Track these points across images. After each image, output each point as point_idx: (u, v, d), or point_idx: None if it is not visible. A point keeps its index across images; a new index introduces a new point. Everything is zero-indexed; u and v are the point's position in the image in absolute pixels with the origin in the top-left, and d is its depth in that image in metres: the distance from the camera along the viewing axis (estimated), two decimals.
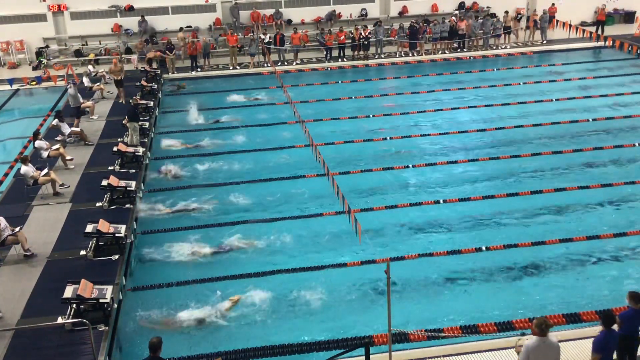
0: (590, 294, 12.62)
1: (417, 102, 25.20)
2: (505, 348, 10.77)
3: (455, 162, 19.25)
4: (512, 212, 16.08)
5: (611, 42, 31.22)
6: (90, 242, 13.98)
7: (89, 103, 23.58)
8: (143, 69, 28.43)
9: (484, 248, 14.36)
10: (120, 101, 24.72)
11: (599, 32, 32.52)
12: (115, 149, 18.75)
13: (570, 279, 13.29)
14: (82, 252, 13.79)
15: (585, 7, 35.27)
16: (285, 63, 30.99)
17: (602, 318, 9.27)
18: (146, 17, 32.39)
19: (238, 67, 30.49)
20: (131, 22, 32.53)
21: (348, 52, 31.54)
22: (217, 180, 18.74)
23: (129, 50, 31.72)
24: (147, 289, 13.44)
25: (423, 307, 12.53)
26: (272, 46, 30.92)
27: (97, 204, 16.15)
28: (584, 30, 31.93)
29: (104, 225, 14.03)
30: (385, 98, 26.16)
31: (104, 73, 27.82)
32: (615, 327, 9.16)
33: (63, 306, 11.62)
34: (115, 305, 12.16)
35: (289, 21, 33.44)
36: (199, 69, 30.16)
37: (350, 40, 31.44)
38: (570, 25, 31.98)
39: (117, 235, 14.02)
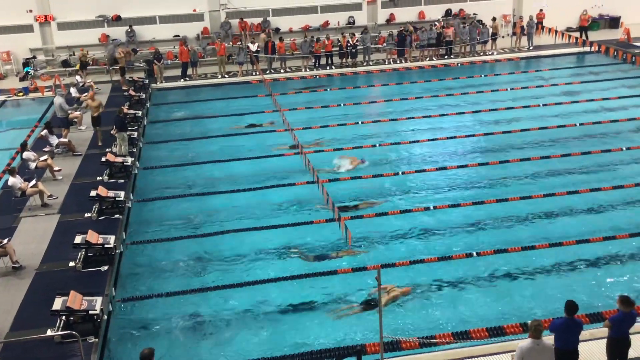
0: (580, 297, 12.58)
1: (406, 109, 25.26)
2: (497, 353, 10.81)
3: (445, 168, 19.31)
4: (502, 218, 16.14)
5: (597, 47, 31.55)
6: (79, 253, 13.88)
7: (77, 113, 23.47)
8: (131, 78, 28.37)
9: (474, 253, 14.38)
10: (99, 143, 21.32)
11: (583, 37, 32.83)
12: (103, 159, 18.67)
13: (560, 283, 13.33)
14: (71, 264, 13.70)
15: (570, 12, 35.54)
16: (272, 71, 31.00)
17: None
18: (134, 27, 32.36)
19: (226, 76, 30.49)
20: (119, 32, 32.46)
21: (336, 59, 31.62)
22: (206, 189, 18.69)
23: (116, 61, 31.58)
24: (137, 300, 13.37)
25: (415, 314, 12.52)
26: (260, 54, 30.96)
27: (86, 215, 16.06)
28: (569, 36, 32.24)
29: (92, 236, 13.94)
30: (374, 105, 26.24)
31: (92, 83, 27.73)
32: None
33: (52, 318, 11.54)
34: (105, 317, 12.08)
35: (277, 29, 33.49)
36: (187, 78, 30.12)
37: (337, 48, 31.53)
38: (556, 31, 32.29)
39: (106, 246, 13.95)
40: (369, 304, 12.68)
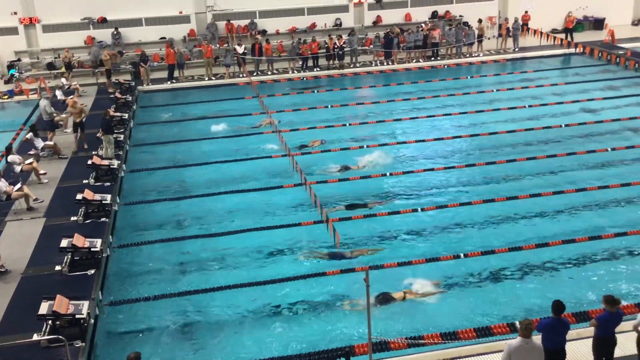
0: (566, 297, 12.66)
1: (393, 110, 25.33)
2: (485, 353, 10.85)
3: (432, 169, 19.36)
4: (489, 219, 16.22)
5: (581, 48, 31.83)
6: (66, 257, 13.78)
7: (63, 116, 23.29)
8: (117, 81, 28.22)
9: (462, 255, 14.42)
10: (84, 146, 20.98)
11: (568, 39, 33.10)
12: (89, 162, 18.56)
13: (547, 283, 13.42)
14: (57, 268, 13.59)
15: (556, 14, 35.81)
16: (259, 73, 30.97)
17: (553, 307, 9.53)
18: (120, 29, 32.21)
19: (213, 78, 30.42)
20: (104, 34, 32.32)
21: (323, 61, 31.64)
22: (194, 191, 18.62)
23: (101, 64, 31.42)
24: (124, 303, 13.28)
25: (403, 315, 12.54)
26: (247, 56, 30.93)
27: (72, 218, 15.95)
28: (554, 38, 32.50)
29: (79, 240, 13.85)
30: (361, 107, 26.30)
31: (77, 86, 27.57)
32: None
33: (38, 323, 11.43)
34: (92, 321, 11.99)
35: (264, 31, 33.46)
36: (174, 80, 30.00)
37: (324, 50, 31.55)
38: (541, 33, 32.54)
39: (92, 249, 13.84)
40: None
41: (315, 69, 31.30)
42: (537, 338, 9.26)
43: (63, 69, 30.43)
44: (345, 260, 14.57)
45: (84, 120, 21.24)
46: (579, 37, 34.24)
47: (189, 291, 13.55)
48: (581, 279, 13.49)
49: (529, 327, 8.90)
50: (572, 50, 32.38)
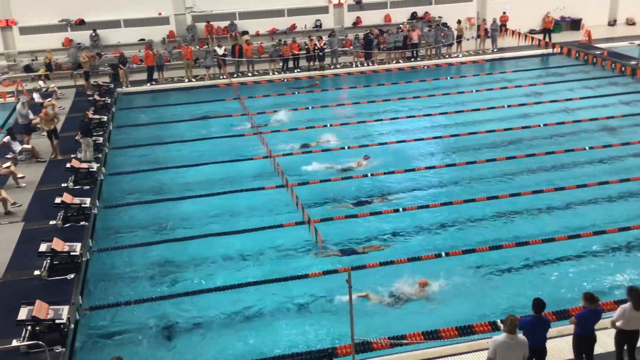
0: (548, 295, 12.77)
1: (373, 111, 25.41)
2: (467, 352, 10.92)
3: (413, 169, 19.45)
4: (469, 218, 16.32)
5: (559, 49, 32.21)
6: (45, 262, 13.62)
7: (39, 119, 23.00)
8: (95, 83, 27.97)
9: (443, 254, 14.50)
10: (53, 157, 20.36)
11: (547, 39, 33.47)
12: (68, 165, 18.37)
13: (527, 281, 13.52)
14: (36, 272, 13.44)
15: (533, 15, 36.19)
16: (240, 75, 30.88)
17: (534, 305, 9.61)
18: (98, 31, 31.96)
19: (193, 80, 30.29)
20: (83, 36, 32.02)
21: (304, 63, 31.66)
22: (175, 194, 18.52)
23: (80, 66, 31.14)
24: (105, 308, 13.17)
25: (385, 315, 12.58)
26: (227, 58, 30.85)
27: (51, 222, 15.77)
28: (532, 38, 32.84)
29: (58, 244, 13.71)
30: (342, 108, 26.33)
31: (55, 88, 27.29)
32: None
33: (18, 328, 11.30)
34: (72, 326, 11.88)
35: (244, 32, 33.38)
36: (153, 82, 29.82)
37: (304, 51, 31.57)
38: (519, 34, 32.88)
39: (72, 253, 13.72)
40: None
41: (295, 70, 31.32)
42: (522, 335, 9.33)
43: (43, 71, 30.08)
44: (357, 256, 14.63)
45: (55, 127, 20.74)
46: (556, 37, 34.62)
47: (169, 295, 13.48)
48: (561, 277, 13.61)
49: (514, 323, 8.97)
50: (550, 50, 32.76)
